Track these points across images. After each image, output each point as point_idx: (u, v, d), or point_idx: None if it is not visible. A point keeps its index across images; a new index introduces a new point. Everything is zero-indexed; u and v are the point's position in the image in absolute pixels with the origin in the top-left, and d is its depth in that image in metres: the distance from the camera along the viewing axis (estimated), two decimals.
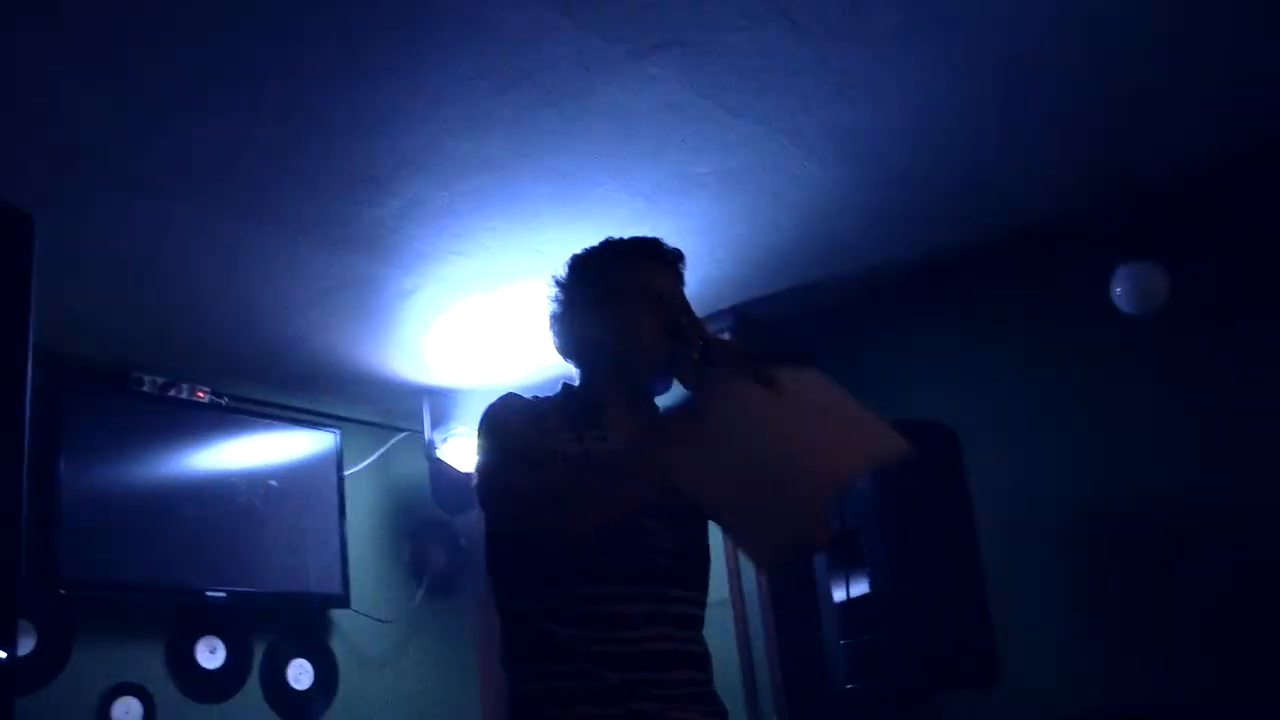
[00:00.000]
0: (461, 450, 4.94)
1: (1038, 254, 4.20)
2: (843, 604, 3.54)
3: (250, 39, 2.74)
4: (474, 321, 4.39)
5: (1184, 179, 3.89)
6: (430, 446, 4.98)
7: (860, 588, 3.49)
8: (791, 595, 4.20)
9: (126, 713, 4.14)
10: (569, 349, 2.24)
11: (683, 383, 2.11)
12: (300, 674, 4.67)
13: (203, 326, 4.24)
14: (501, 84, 3.00)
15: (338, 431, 4.94)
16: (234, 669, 4.48)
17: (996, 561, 3.67)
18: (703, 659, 2.08)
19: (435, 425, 4.98)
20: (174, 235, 3.58)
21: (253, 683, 4.53)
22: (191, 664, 4.36)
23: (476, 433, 2.11)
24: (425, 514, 5.24)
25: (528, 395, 2.17)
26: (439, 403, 5.00)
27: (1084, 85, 3.33)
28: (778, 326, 4.52)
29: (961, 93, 3.29)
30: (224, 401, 4.62)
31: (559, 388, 2.24)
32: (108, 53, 2.73)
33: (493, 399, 2.14)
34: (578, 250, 2.26)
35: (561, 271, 2.25)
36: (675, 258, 2.22)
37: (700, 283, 4.12)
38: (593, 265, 2.23)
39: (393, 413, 5.15)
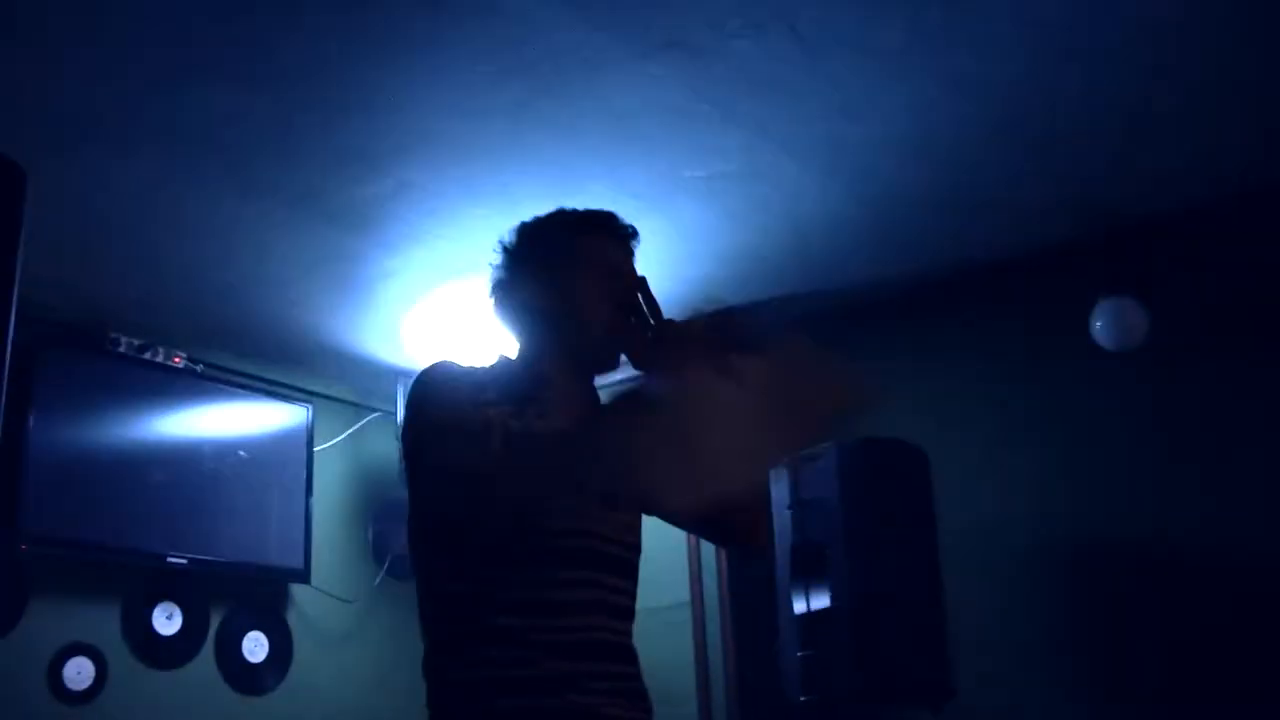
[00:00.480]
0: None
1: (1020, 281, 4.23)
2: (802, 615, 3.55)
3: (252, 9, 2.73)
4: (454, 306, 4.38)
5: (1169, 216, 3.92)
6: (401, 428, 4.96)
7: (821, 601, 3.50)
8: (752, 603, 4.21)
9: (79, 673, 4.12)
10: (512, 318, 2.10)
11: (633, 362, 2.00)
12: (255, 646, 4.66)
13: (182, 291, 4.22)
14: (502, 72, 3.00)
15: (310, 406, 4.92)
16: (189, 636, 4.46)
17: (957, 583, 3.69)
18: (634, 653, 1.98)
19: None
20: (160, 199, 3.56)
21: (207, 651, 4.52)
22: (147, 628, 4.34)
23: (409, 400, 1.96)
24: (392, 495, 5.23)
25: (463, 365, 2.02)
26: None
27: (1077, 115, 3.35)
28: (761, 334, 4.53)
29: (957, 115, 3.30)
30: (199, 368, 4.61)
31: (496, 360, 2.11)
32: (106, 12, 2.71)
33: (430, 368, 1.99)
34: (525, 218, 2.15)
35: (509, 237, 2.13)
36: (630, 233, 2.12)
37: (683, 284, 4.12)
38: (543, 233, 2.11)
39: (367, 392, 5.14)
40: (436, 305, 4.38)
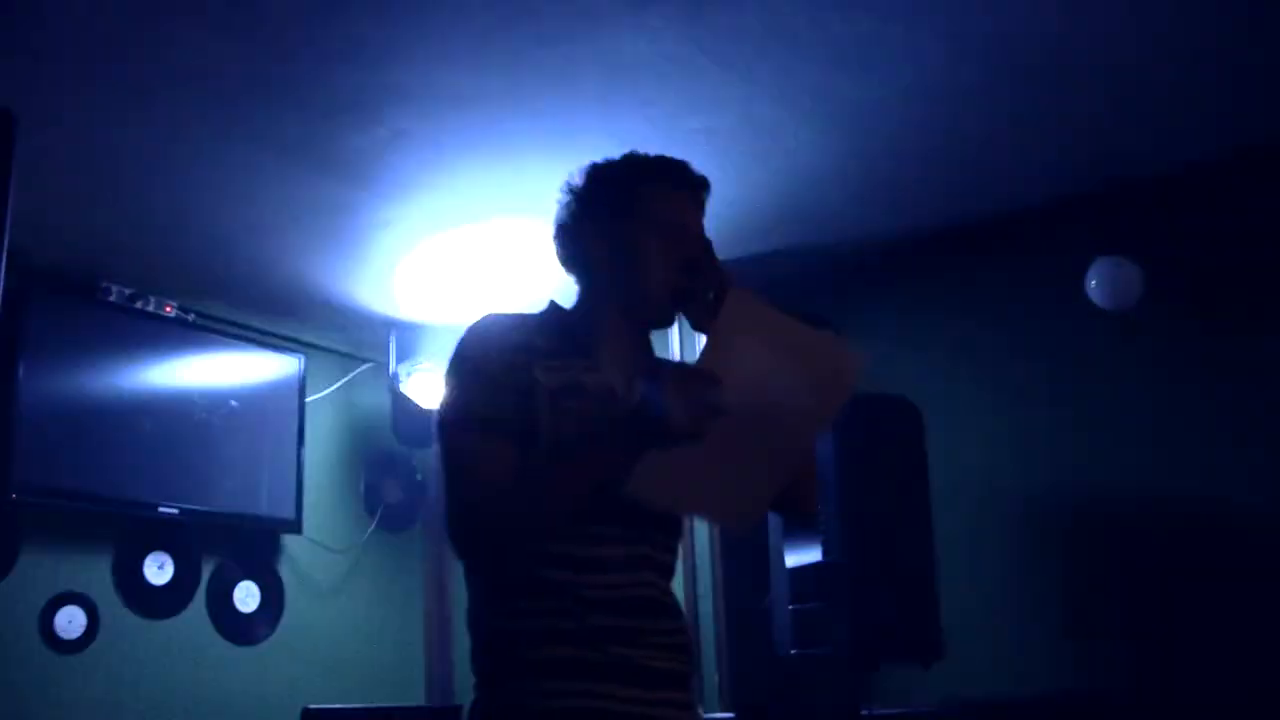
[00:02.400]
0: (425, 385, 4.93)
1: (1016, 238, 4.21)
2: (794, 570, 3.56)
3: None
4: (448, 257, 4.36)
5: (1166, 177, 3.91)
6: (394, 379, 4.96)
7: (813, 555, 3.52)
8: (743, 556, 4.22)
9: (70, 622, 4.14)
10: (573, 263, 2.07)
11: (692, 324, 1.97)
12: (247, 596, 4.67)
13: (174, 239, 4.19)
14: (501, 20, 2.96)
15: (302, 356, 4.91)
16: (180, 586, 4.48)
17: (949, 539, 3.70)
18: (678, 609, 1.99)
19: (400, 358, 4.96)
20: (151, 143, 3.52)
21: (198, 601, 4.53)
22: (139, 578, 4.35)
23: (454, 359, 1.94)
24: (384, 446, 5.23)
25: (510, 314, 1.99)
26: (406, 336, 4.98)
27: (1077, 73, 3.33)
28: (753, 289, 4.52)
29: (956, 71, 3.28)
30: (190, 317, 4.59)
31: (546, 306, 2.08)
32: None
33: (475, 322, 1.97)
34: (597, 160, 2.08)
35: (576, 179, 2.06)
36: (701, 185, 2.06)
37: None
38: (612, 179, 2.04)
39: (359, 343, 5.12)
40: (431, 255, 4.35)
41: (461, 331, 1.96)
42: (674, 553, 2.00)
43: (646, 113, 3.43)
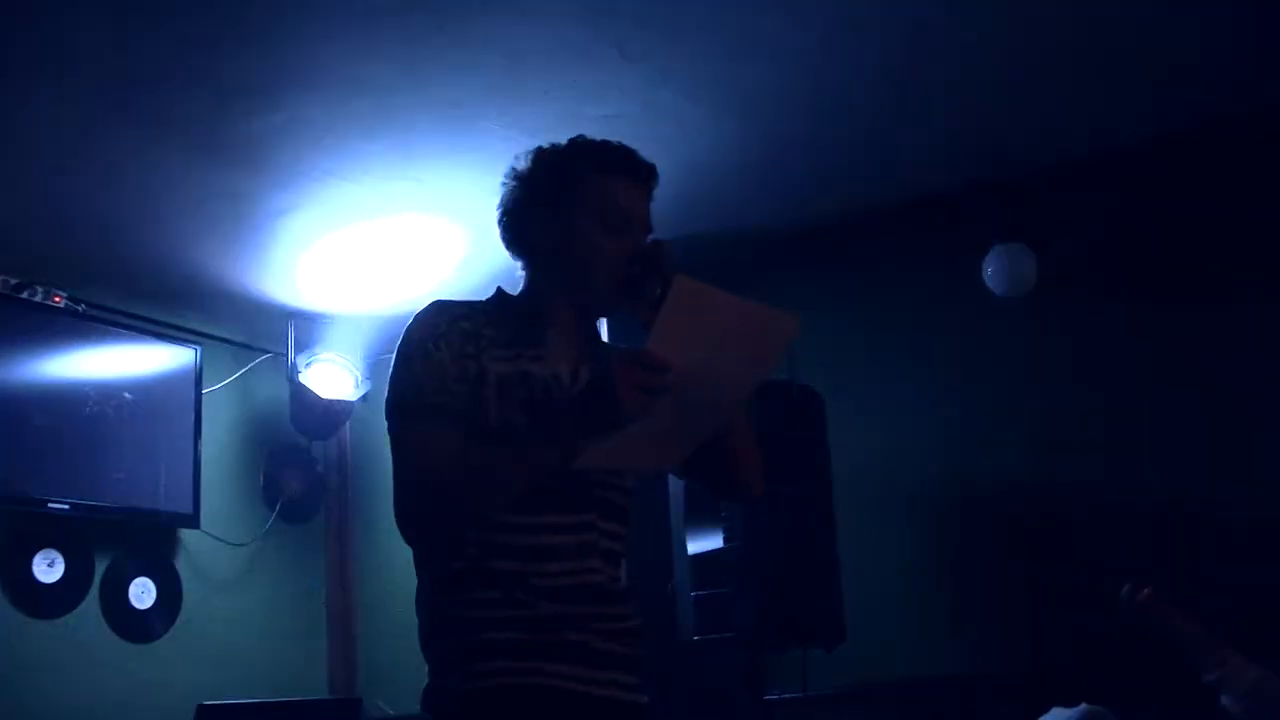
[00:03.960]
0: (324, 376, 4.87)
1: (915, 226, 4.27)
2: (696, 556, 3.58)
3: None
4: (347, 247, 4.30)
5: (1062, 164, 3.99)
6: (293, 370, 4.89)
7: (715, 542, 3.54)
8: (645, 543, 4.23)
9: None
10: (518, 248, 2.07)
11: (637, 316, 1.97)
12: (142, 592, 4.57)
13: (62, 227, 4.07)
14: (395, 6, 2.93)
15: (198, 348, 4.81)
16: (73, 584, 4.36)
17: (850, 524, 3.75)
18: (627, 594, 2.01)
19: (299, 349, 4.89)
20: (36, 126, 3.42)
21: (91, 599, 4.42)
22: (27, 576, 4.23)
23: (403, 346, 1.95)
24: (283, 438, 5.15)
25: (455, 301, 2.01)
26: (304, 327, 4.91)
27: (974, 60, 3.38)
28: None
29: (859, 59, 3.32)
30: (80, 308, 4.46)
31: (494, 292, 2.09)
32: None
33: (424, 309, 1.98)
34: (543, 144, 2.08)
35: (522, 163, 2.06)
36: (649, 174, 2.06)
37: None
38: (559, 165, 2.03)
39: (256, 333, 5.03)
40: (330, 245, 4.29)
41: (410, 321, 1.97)
42: (622, 540, 2.02)
43: (547, 100, 3.41)
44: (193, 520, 4.67)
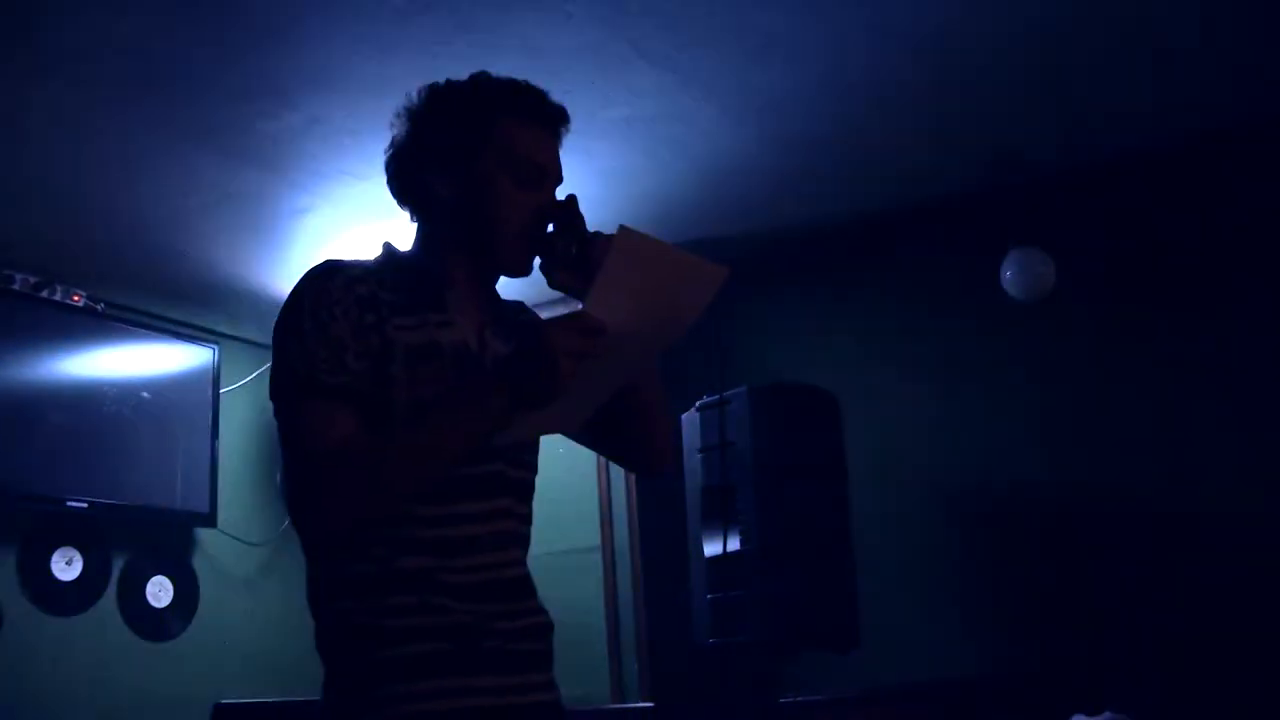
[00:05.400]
0: None
1: (932, 229, 4.27)
2: (712, 559, 3.57)
3: None
4: (365, 247, 4.30)
5: (1080, 169, 3.98)
6: None
7: (731, 545, 3.53)
8: (662, 546, 4.23)
9: None
10: (410, 199, 1.83)
11: (548, 278, 1.77)
12: (159, 591, 4.58)
13: (81, 226, 4.09)
14: (415, 6, 2.93)
15: (216, 347, 4.83)
16: (90, 582, 4.37)
17: (865, 528, 3.74)
18: (533, 583, 1.79)
19: None
20: (57, 127, 3.43)
21: (109, 597, 4.43)
22: (45, 574, 4.25)
23: (293, 315, 1.70)
24: None
25: (349, 261, 1.77)
26: None
27: (998, 67, 3.38)
28: None
29: (878, 63, 3.31)
30: (100, 307, 4.48)
31: (382, 250, 1.84)
32: None
33: (313, 272, 1.75)
34: (440, 81, 1.83)
35: (415, 100, 1.82)
36: (561, 118, 1.81)
37: (595, 227, 4.09)
38: (458, 105, 1.78)
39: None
40: (349, 246, 4.30)
41: (295, 283, 1.75)
42: (530, 523, 1.81)
43: (565, 101, 3.38)
44: (210, 519, 4.68)
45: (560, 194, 1.82)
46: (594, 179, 3.86)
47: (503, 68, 3.27)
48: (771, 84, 3.39)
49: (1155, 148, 3.85)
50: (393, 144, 1.84)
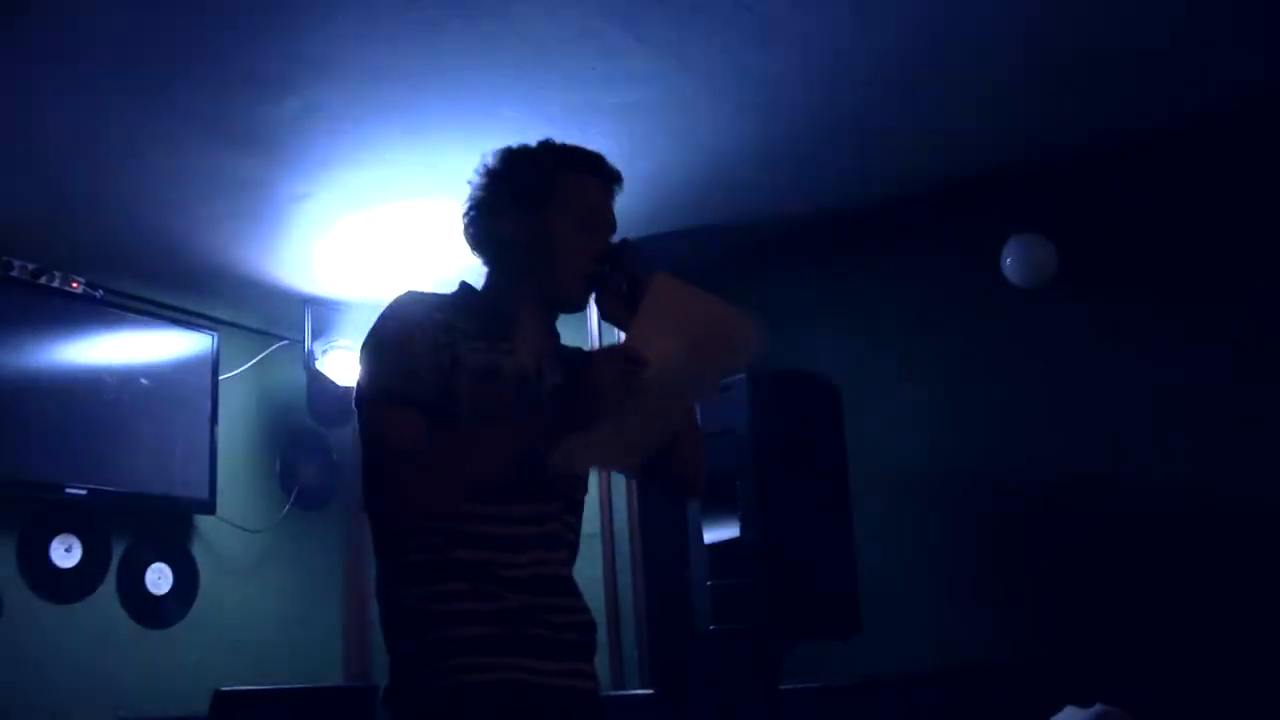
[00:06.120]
0: (341, 363, 4.87)
1: (932, 216, 4.25)
2: (712, 546, 3.57)
3: None
4: (365, 234, 4.30)
5: (1081, 155, 3.97)
6: (310, 357, 4.90)
7: (731, 532, 3.53)
8: (662, 533, 4.23)
9: None
10: (485, 245, 2.12)
11: (602, 314, 2.08)
12: (159, 578, 4.58)
13: (80, 213, 4.08)
14: None
15: (215, 334, 4.82)
16: (89, 569, 4.37)
17: (866, 515, 3.74)
18: (578, 586, 2.07)
19: (316, 336, 4.90)
20: (54, 111, 3.41)
21: (108, 584, 4.43)
22: (44, 562, 4.24)
23: (378, 334, 1.97)
24: (299, 425, 5.17)
25: (427, 292, 2.04)
26: (322, 313, 4.92)
27: (992, 51, 3.36)
28: (669, 267, 4.51)
29: (878, 48, 3.29)
30: (98, 294, 4.47)
31: (459, 287, 2.13)
32: None
33: (399, 298, 2.01)
34: (513, 144, 2.14)
35: (493, 161, 2.12)
36: (616, 178, 2.13)
37: None
38: (530, 164, 2.10)
39: (273, 320, 5.04)
40: (348, 232, 4.29)
41: (383, 307, 1.99)
42: (579, 533, 2.08)
43: (565, 87, 3.40)
44: (209, 506, 4.68)
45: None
46: None
47: (502, 54, 3.28)
48: (772, 70, 3.38)
49: (1157, 133, 3.84)
50: (472, 198, 2.11)
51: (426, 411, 1.89)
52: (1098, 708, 3.05)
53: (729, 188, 4.12)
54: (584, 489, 2.10)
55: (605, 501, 4.50)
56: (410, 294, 2.01)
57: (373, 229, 4.24)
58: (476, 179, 2.11)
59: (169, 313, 4.73)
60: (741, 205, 4.28)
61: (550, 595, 1.94)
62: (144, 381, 4.54)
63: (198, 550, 4.75)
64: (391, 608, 1.96)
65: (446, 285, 2.13)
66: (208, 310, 4.87)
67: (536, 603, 1.91)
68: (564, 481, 2.00)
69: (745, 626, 3.47)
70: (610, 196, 2.12)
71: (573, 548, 2.05)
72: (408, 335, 1.93)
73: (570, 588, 2.02)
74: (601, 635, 4.30)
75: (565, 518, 2.02)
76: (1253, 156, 3.77)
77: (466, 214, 2.11)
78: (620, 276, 2.03)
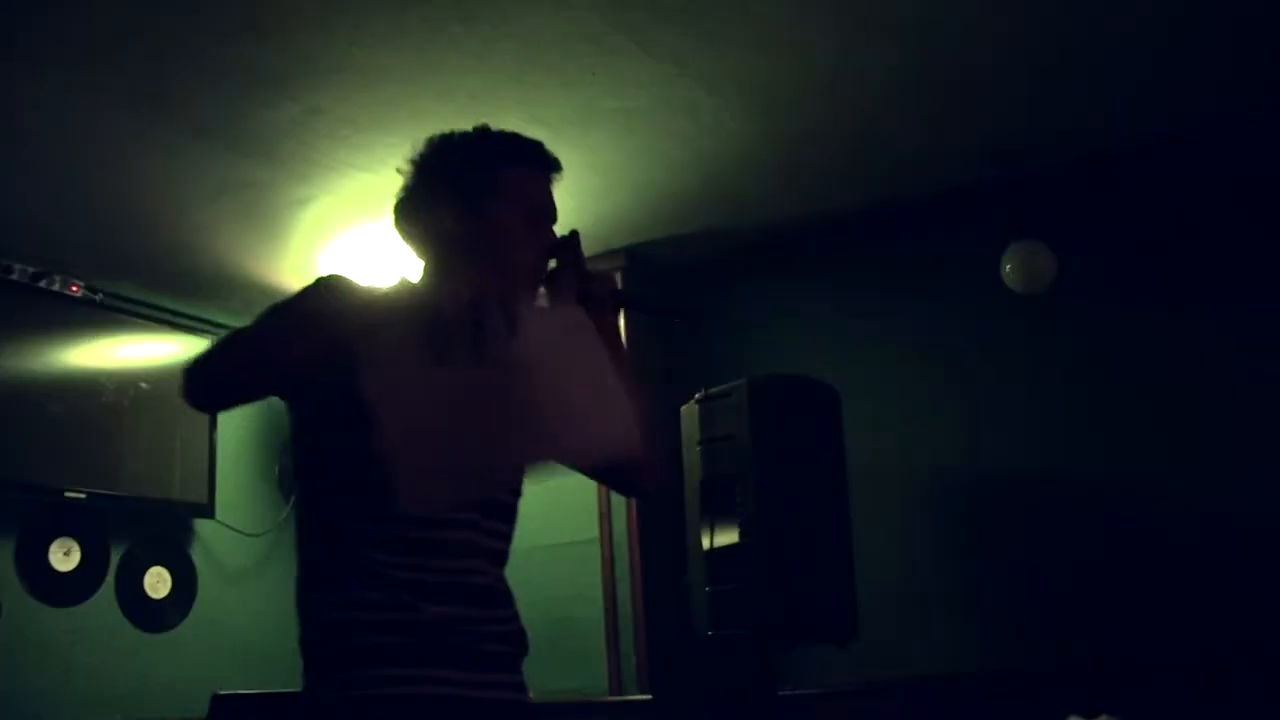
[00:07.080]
0: None
1: (933, 222, 4.26)
2: (710, 551, 3.57)
3: None
4: (366, 238, 4.30)
5: (1081, 162, 3.97)
6: None
7: (729, 537, 3.52)
8: (661, 538, 4.23)
9: None
10: (420, 239, 1.98)
11: (552, 305, 1.95)
12: (157, 582, 4.58)
13: (79, 217, 4.08)
14: None
15: (214, 338, 4.81)
16: (88, 572, 4.37)
17: (865, 520, 3.73)
18: (510, 596, 1.92)
19: None
20: (53, 116, 3.42)
21: (107, 588, 4.43)
22: (43, 565, 4.24)
23: (287, 304, 1.86)
24: None
25: (364, 283, 1.85)
26: None
27: (994, 59, 3.37)
28: (669, 272, 4.52)
29: (875, 55, 3.30)
30: (98, 297, 4.47)
31: (397, 282, 1.96)
32: None
33: (331, 279, 1.85)
34: (447, 131, 1.99)
35: (426, 151, 1.98)
36: (557, 167, 2.00)
37: (595, 220, 4.09)
38: (464, 153, 1.96)
39: None
40: (348, 236, 4.29)
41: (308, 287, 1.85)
42: (508, 540, 1.94)
43: (564, 91, 3.41)
44: (208, 510, 4.68)
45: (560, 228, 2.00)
46: (593, 171, 3.86)
47: (502, 59, 3.28)
48: (771, 75, 3.38)
49: (1156, 138, 3.84)
50: (406, 189, 1.99)
51: (265, 382, 1.93)
52: (1101, 719, 3.03)
53: (729, 193, 4.13)
54: (514, 494, 1.95)
55: (604, 508, 4.49)
56: (345, 278, 1.86)
57: (373, 233, 4.24)
58: (410, 168, 1.99)
59: (168, 316, 4.73)
60: (741, 210, 4.28)
61: (477, 605, 1.82)
62: (143, 385, 4.54)
63: (196, 554, 4.75)
64: (305, 614, 1.87)
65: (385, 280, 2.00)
66: (207, 314, 4.87)
67: (460, 614, 1.79)
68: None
69: (744, 632, 3.47)
70: (551, 185, 2.00)
71: (502, 556, 1.92)
72: (319, 315, 1.81)
73: (495, 597, 1.87)
74: (599, 640, 4.34)
75: (488, 524, 1.87)
76: (1252, 162, 3.77)
77: (399, 206, 1.99)
78: (569, 271, 1.96)
